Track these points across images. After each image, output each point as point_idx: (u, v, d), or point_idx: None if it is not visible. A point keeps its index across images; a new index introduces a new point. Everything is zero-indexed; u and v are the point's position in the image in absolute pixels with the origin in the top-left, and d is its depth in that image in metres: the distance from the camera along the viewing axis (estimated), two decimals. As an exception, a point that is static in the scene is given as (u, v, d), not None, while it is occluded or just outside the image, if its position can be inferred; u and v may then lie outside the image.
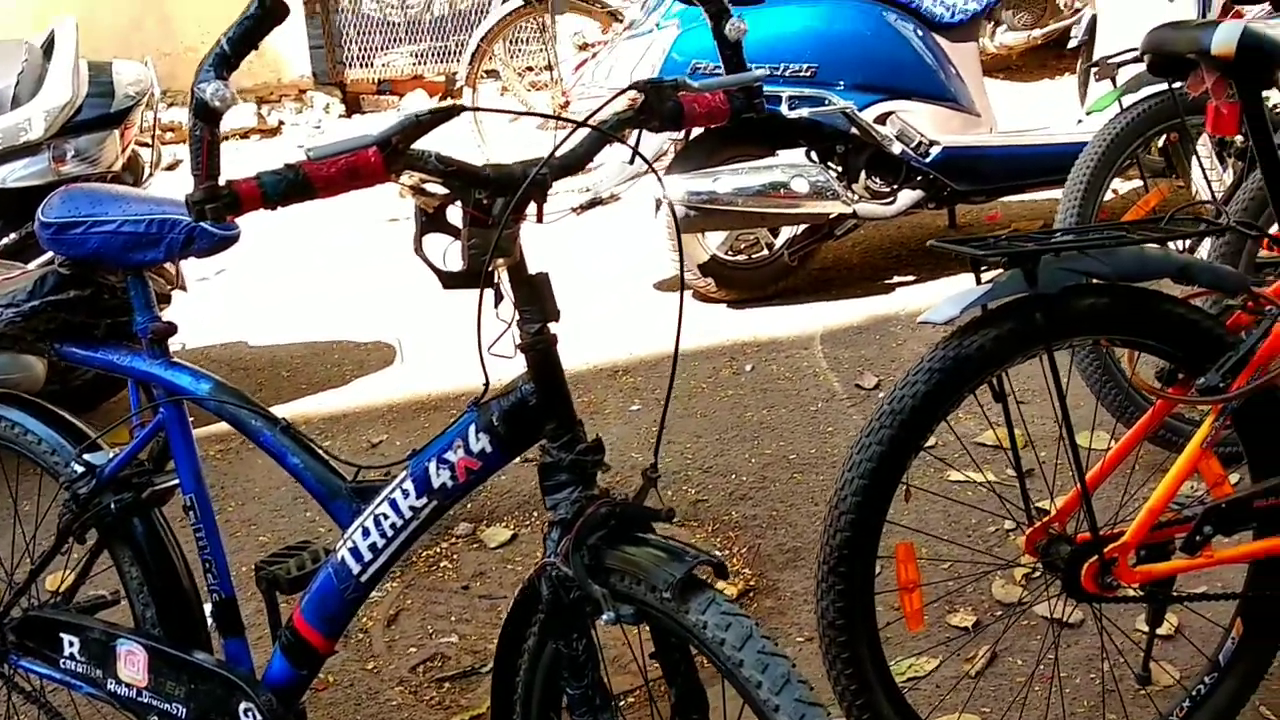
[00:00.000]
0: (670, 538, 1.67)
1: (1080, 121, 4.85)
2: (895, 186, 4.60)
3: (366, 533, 1.86)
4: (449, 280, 1.69)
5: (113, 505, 2.07)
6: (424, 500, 1.82)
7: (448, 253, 1.70)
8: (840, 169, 4.53)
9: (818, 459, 3.61)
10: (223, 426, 3.51)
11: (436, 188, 1.67)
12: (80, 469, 2.09)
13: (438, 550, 3.36)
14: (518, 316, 1.69)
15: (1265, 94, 2.29)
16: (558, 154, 1.67)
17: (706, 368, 4.24)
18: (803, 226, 4.66)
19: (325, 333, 4.90)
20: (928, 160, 4.53)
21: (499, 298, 1.69)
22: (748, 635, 1.51)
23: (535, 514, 3.48)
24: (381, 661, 2.90)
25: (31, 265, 2.57)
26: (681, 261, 1.93)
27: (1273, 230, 2.42)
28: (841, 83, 4.47)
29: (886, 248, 5.28)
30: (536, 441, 1.74)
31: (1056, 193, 4.63)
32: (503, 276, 1.69)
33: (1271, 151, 2.27)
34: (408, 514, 1.83)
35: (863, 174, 4.56)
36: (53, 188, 3.59)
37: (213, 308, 5.23)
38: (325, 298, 5.32)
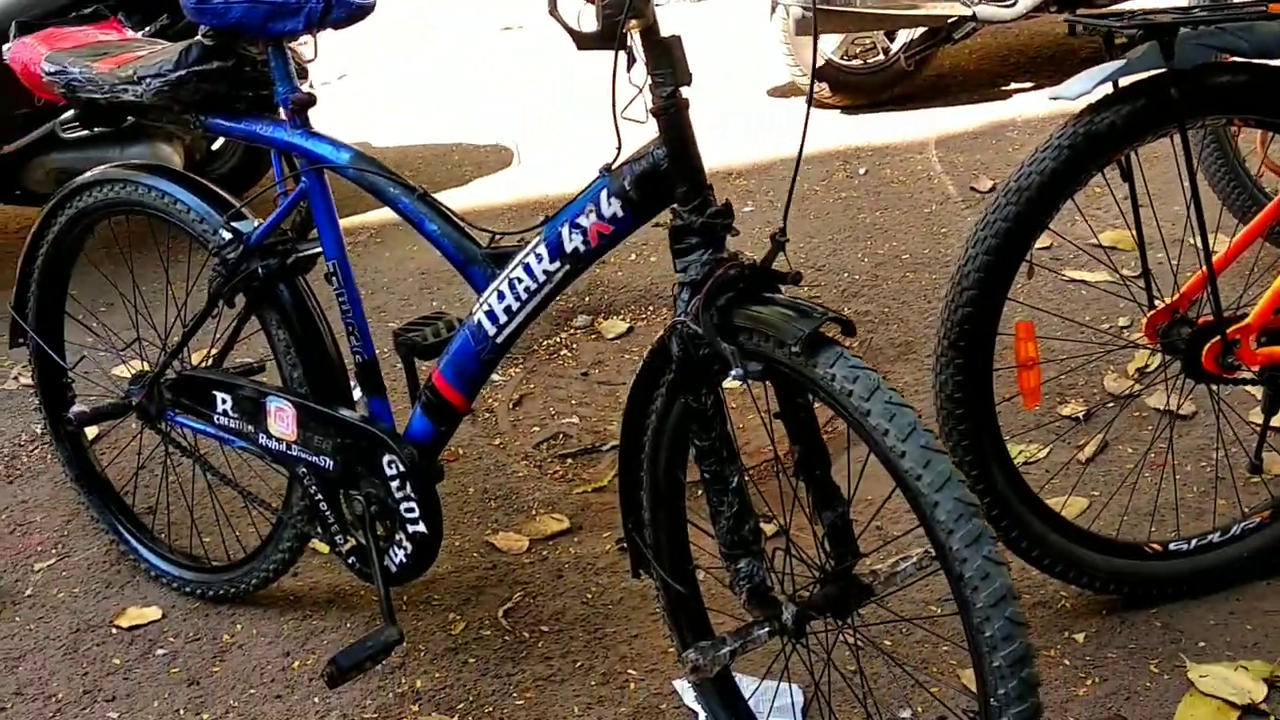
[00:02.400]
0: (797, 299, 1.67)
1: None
2: (1017, -12, 4.41)
3: (501, 296, 1.89)
4: (583, 41, 1.67)
5: (260, 270, 2.12)
6: (557, 264, 1.84)
7: (581, 14, 1.68)
8: (962, -30, 4.35)
9: (931, 259, 3.57)
10: (349, 221, 3.60)
11: None
12: (228, 236, 2.14)
13: (557, 340, 3.41)
14: (650, 80, 1.67)
15: None
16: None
17: (820, 171, 4.18)
18: (920, 30, 4.51)
19: (445, 136, 4.91)
20: (1053, -41, 4.34)
21: (631, 61, 1.66)
22: (875, 387, 1.51)
23: (650, 308, 3.51)
24: (508, 439, 2.98)
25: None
26: (815, 54, 1.87)
27: None
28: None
29: (1003, 54, 5.10)
30: (667, 206, 1.73)
31: (1183, -2, 4.43)
32: (635, 39, 1.67)
33: None
34: (541, 278, 1.85)
35: (984, -25, 4.39)
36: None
37: (336, 112, 5.26)
38: (445, 104, 5.32)
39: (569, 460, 2.90)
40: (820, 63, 4.51)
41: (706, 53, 5.46)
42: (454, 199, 4.35)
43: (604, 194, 1.76)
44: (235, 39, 2.05)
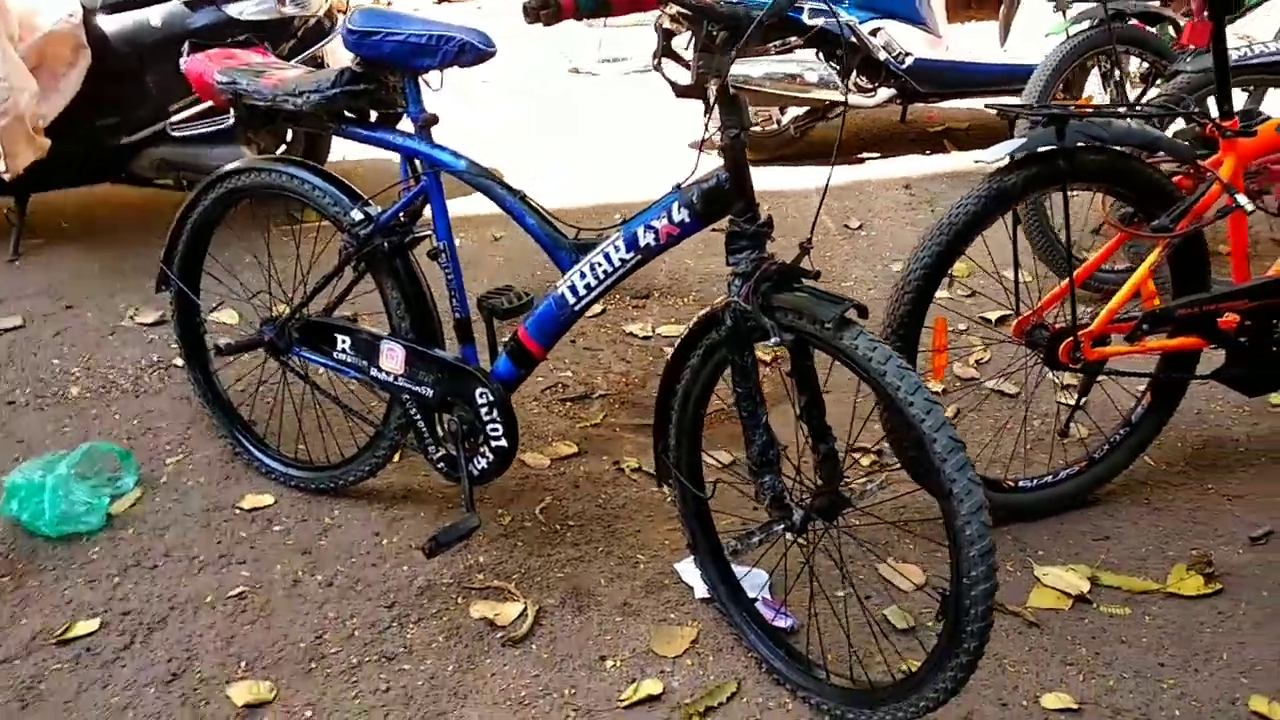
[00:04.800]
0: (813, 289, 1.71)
1: (1005, 50, 4.79)
2: (876, 85, 4.55)
3: (583, 275, 1.90)
4: (681, 91, 1.69)
5: (386, 245, 2.08)
6: (630, 255, 1.85)
7: (677, 72, 1.70)
8: (838, 67, 4.46)
9: (825, 277, 3.64)
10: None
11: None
12: (361, 216, 2.09)
13: (549, 315, 3.38)
14: (721, 123, 1.70)
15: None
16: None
17: (734, 205, 4.22)
18: (805, 109, 4.60)
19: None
20: (904, 66, 4.48)
21: (708, 109, 1.69)
22: (889, 356, 1.57)
23: (618, 293, 3.51)
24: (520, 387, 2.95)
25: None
26: (845, 110, 1.92)
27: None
28: (847, 1, 4.39)
29: (857, 131, 5.23)
30: (723, 217, 1.77)
31: (979, 101, 4.60)
32: (712, 93, 1.69)
33: (1224, 59, 2.29)
34: (617, 264, 1.87)
35: (853, 73, 4.51)
36: (276, 23, 3.48)
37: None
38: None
39: (568, 403, 2.90)
40: (732, 126, 4.57)
41: (643, 112, 5.48)
42: (458, 208, 4.26)
43: (675, 204, 1.79)
44: (380, 68, 2.00)
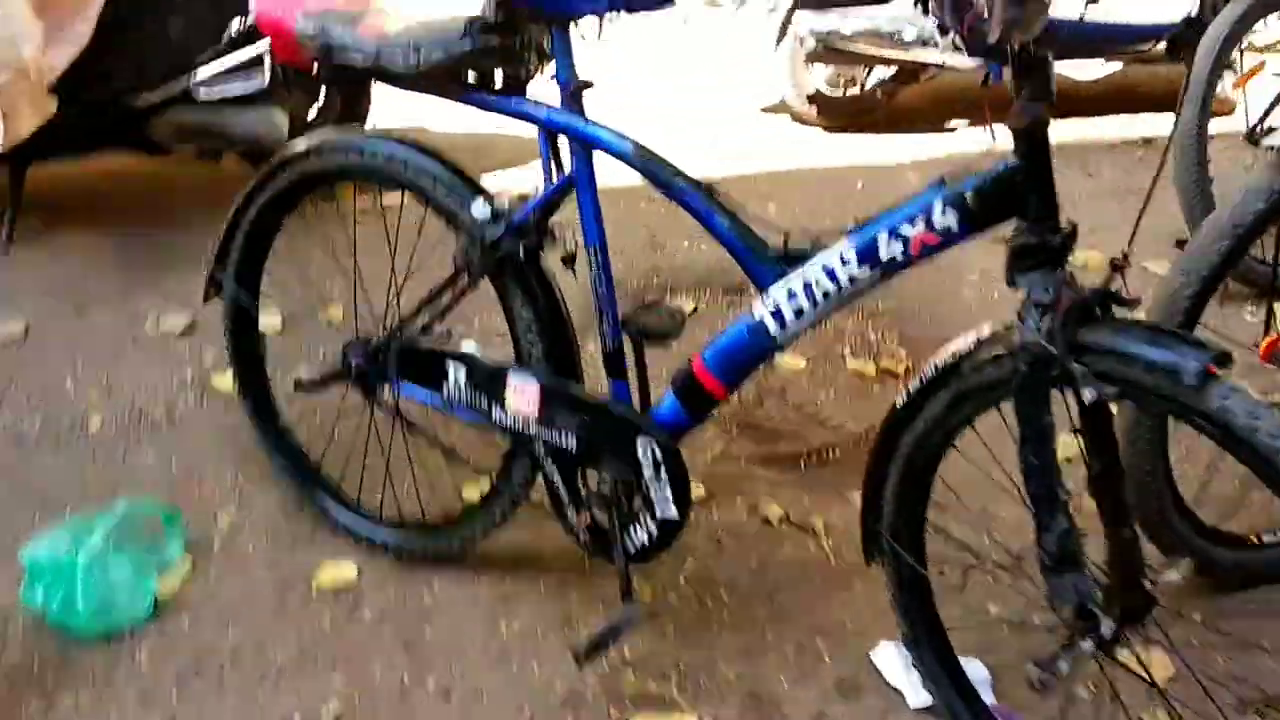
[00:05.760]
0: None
1: (1090, 8, 4.34)
2: (976, 44, 4.09)
3: (792, 296, 1.46)
4: (975, 49, 1.25)
5: (521, 249, 1.63)
6: (865, 270, 1.42)
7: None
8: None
9: (933, 266, 3.21)
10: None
11: None
12: (487, 212, 1.64)
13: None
14: (1021, 92, 1.27)
15: None
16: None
17: (828, 188, 3.76)
18: (894, 69, 4.14)
19: (484, 128, 4.30)
20: (1011, 24, 4.02)
21: (1002, 70, 1.27)
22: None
23: (708, 290, 3.05)
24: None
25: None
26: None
27: None
28: (944, -52, 3.91)
29: (942, 98, 4.76)
30: (1002, 221, 1.33)
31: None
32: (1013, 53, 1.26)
33: None
34: (844, 282, 1.43)
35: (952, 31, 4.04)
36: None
37: (388, 98, 4.59)
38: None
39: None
40: (812, 90, 4.12)
41: (707, 66, 5.00)
42: (517, 177, 3.78)
43: (939, 203, 1.35)
44: (522, 16, 1.54)
